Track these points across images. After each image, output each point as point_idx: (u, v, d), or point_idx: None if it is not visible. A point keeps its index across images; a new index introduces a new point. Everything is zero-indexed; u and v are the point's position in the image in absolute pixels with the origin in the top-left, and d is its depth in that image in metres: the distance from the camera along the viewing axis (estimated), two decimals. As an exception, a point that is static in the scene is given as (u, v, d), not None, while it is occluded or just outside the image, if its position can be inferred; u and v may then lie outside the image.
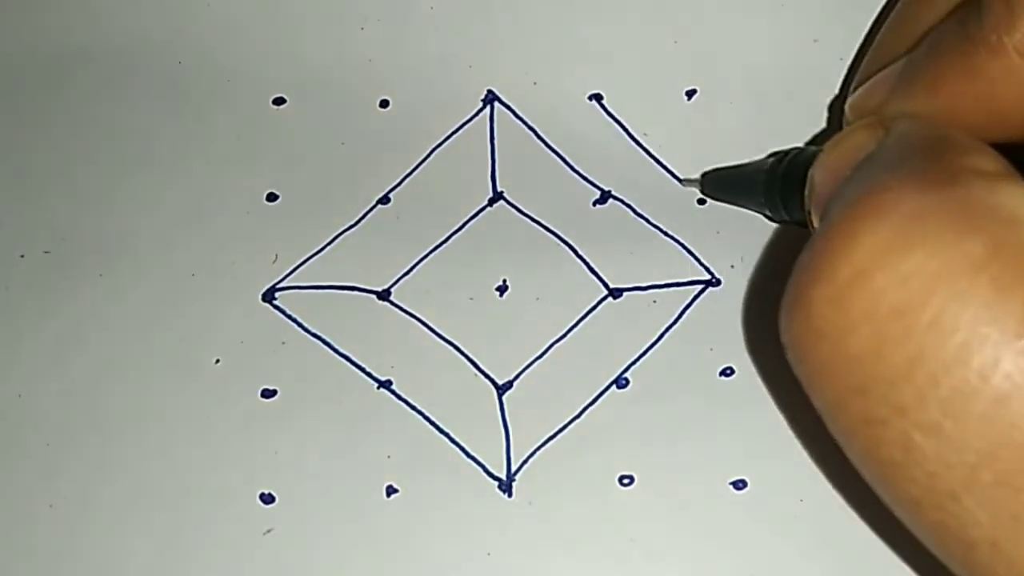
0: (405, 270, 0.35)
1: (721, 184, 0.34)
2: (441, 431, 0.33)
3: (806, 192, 0.26)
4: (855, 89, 0.28)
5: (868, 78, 0.27)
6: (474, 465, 0.32)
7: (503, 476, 0.32)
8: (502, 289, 0.34)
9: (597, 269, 0.34)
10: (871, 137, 0.23)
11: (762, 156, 0.35)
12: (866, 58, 0.30)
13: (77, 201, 0.36)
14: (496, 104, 0.37)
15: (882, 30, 0.30)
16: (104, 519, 0.32)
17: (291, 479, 0.32)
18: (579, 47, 0.37)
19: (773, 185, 0.31)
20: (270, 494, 0.32)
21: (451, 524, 0.32)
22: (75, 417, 0.33)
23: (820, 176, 0.25)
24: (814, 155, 0.27)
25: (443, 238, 0.35)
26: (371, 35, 0.38)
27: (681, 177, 0.36)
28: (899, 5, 0.29)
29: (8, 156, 0.37)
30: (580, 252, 0.35)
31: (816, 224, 0.25)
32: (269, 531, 0.32)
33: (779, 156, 0.31)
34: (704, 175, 0.35)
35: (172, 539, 0.32)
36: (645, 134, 0.37)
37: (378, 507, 0.32)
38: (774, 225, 0.35)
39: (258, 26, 0.38)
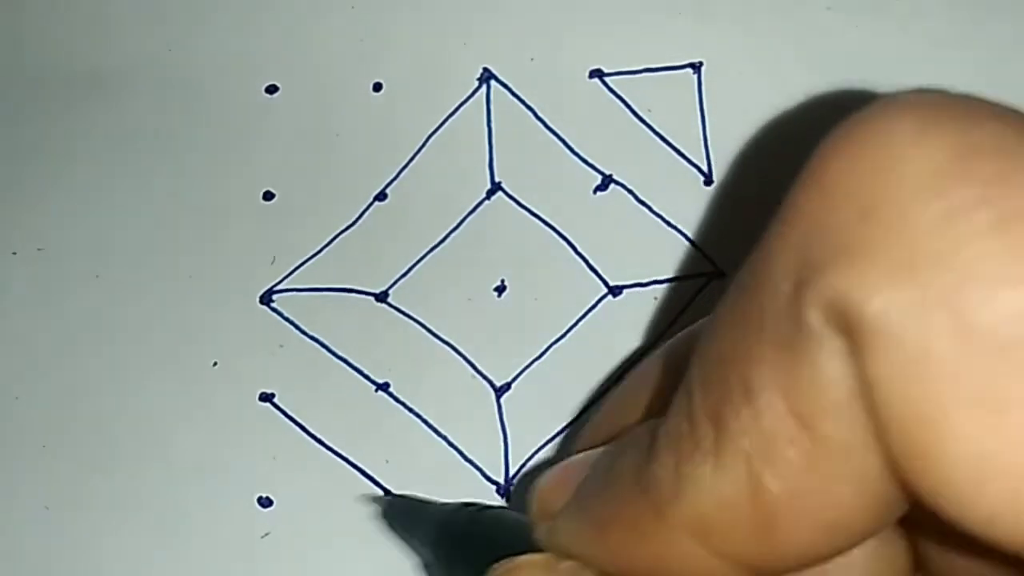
0: (403, 271, 0.34)
1: (400, 512, 0.30)
2: (439, 434, 0.33)
3: None
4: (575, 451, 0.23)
5: (586, 445, 0.23)
6: (472, 468, 0.32)
7: (501, 480, 0.32)
8: (500, 289, 0.34)
9: (597, 266, 0.33)
10: None
11: (767, 138, 0.34)
12: (593, 418, 0.25)
13: (70, 198, 0.36)
14: (493, 83, 0.36)
15: (616, 390, 0.25)
16: (100, 521, 0.33)
17: (289, 482, 0.33)
18: (577, 20, 0.36)
19: (443, 541, 0.26)
20: (268, 497, 0.32)
21: (451, 528, 0.32)
22: (71, 419, 0.33)
23: None
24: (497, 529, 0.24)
25: (441, 237, 0.34)
26: (361, 14, 0.36)
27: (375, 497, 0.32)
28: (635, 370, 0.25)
29: (1, 151, 0.36)
30: (579, 248, 0.34)
31: None
32: (267, 534, 0.32)
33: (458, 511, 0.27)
34: (388, 498, 0.31)
35: (169, 542, 0.32)
36: (649, 110, 0.35)
37: (376, 510, 0.32)
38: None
39: (247, 11, 0.37)
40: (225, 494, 0.33)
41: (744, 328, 0.15)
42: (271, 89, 0.36)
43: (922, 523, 0.19)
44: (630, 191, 0.34)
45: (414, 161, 0.35)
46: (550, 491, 0.21)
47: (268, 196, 0.35)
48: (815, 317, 0.14)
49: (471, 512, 0.26)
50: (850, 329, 0.14)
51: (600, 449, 0.20)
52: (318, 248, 0.34)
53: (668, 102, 0.35)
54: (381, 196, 0.35)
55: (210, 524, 0.32)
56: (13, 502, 0.33)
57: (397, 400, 0.33)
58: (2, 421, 0.34)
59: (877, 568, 0.20)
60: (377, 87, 0.36)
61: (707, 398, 0.16)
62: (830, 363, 0.14)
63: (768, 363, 0.15)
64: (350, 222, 0.35)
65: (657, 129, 0.35)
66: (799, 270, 0.15)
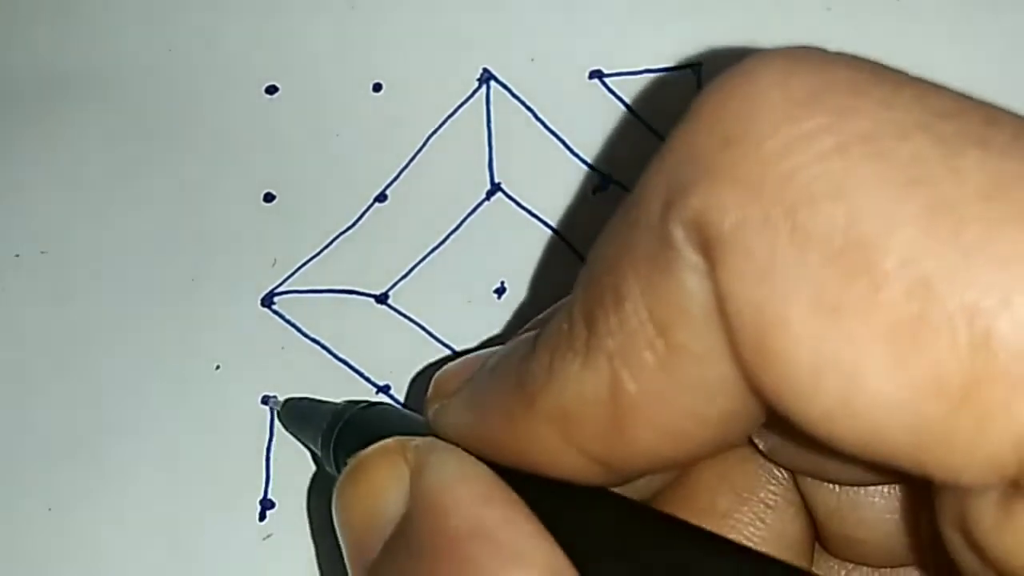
0: (403, 273, 0.34)
1: (294, 415, 0.32)
2: (440, 436, 0.33)
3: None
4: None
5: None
6: (474, 470, 0.32)
7: (503, 481, 0.32)
8: (500, 291, 0.34)
9: (595, 268, 0.34)
10: (393, 479, 0.21)
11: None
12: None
13: (72, 200, 0.36)
14: (492, 83, 0.35)
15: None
16: (103, 524, 0.33)
17: (291, 485, 0.33)
18: (577, 20, 0.36)
19: (329, 437, 0.28)
20: (270, 500, 0.33)
21: (452, 529, 0.32)
22: (73, 421, 0.34)
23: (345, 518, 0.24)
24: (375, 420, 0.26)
25: (441, 239, 0.34)
26: (361, 14, 0.36)
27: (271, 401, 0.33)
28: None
29: (2, 154, 0.36)
30: (579, 249, 0.34)
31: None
32: (268, 537, 0.32)
33: (345, 408, 0.29)
34: (286, 401, 0.33)
35: (171, 544, 0.32)
36: (649, 111, 0.35)
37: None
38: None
39: (247, 11, 0.36)
40: (227, 497, 0.33)
41: (622, 240, 0.17)
42: (271, 89, 0.36)
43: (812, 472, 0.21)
44: (630, 191, 0.34)
45: (414, 161, 0.35)
46: (448, 378, 0.22)
47: (269, 198, 0.35)
48: (678, 234, 0.16)
49: (357, 408, 0.28)
50: (707, 245, 0.15)
51: (496, 347, 0.22)
52: (318, 250, 0.34)
53: (668, 102, 0.35)
54: (381, 197, 0.35)
55: (212, 527, 0.32)
56: (16, 504, 0.33)
57: (398, 402, 0.33)
58: (5, 423, 0.34)
59: (775, 537, 0.22)
60: (377, 87, 0.36)
61: (585, 301, 0.17)
62: (690, 277, 0.16)
63: (636, 273, 0.16)
64: (350, 223, 0.35)
65: (657, 129, 0.35)
66: (668, 192, 0.16)
